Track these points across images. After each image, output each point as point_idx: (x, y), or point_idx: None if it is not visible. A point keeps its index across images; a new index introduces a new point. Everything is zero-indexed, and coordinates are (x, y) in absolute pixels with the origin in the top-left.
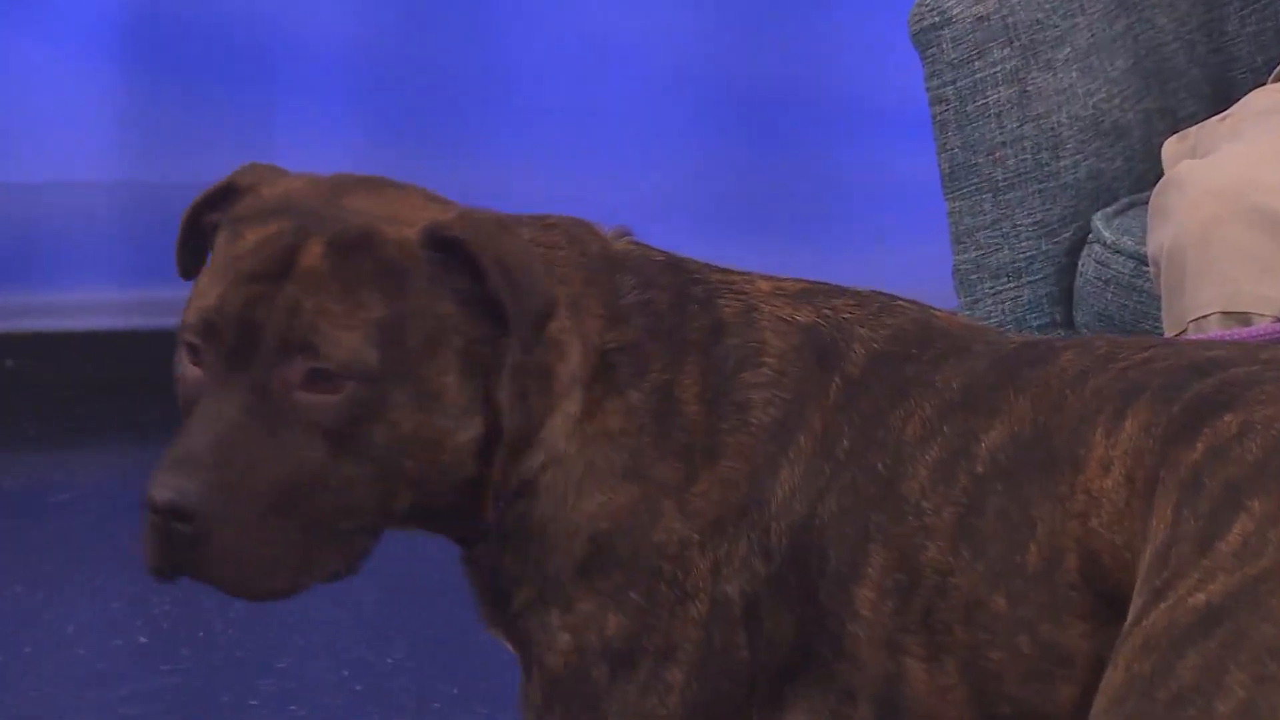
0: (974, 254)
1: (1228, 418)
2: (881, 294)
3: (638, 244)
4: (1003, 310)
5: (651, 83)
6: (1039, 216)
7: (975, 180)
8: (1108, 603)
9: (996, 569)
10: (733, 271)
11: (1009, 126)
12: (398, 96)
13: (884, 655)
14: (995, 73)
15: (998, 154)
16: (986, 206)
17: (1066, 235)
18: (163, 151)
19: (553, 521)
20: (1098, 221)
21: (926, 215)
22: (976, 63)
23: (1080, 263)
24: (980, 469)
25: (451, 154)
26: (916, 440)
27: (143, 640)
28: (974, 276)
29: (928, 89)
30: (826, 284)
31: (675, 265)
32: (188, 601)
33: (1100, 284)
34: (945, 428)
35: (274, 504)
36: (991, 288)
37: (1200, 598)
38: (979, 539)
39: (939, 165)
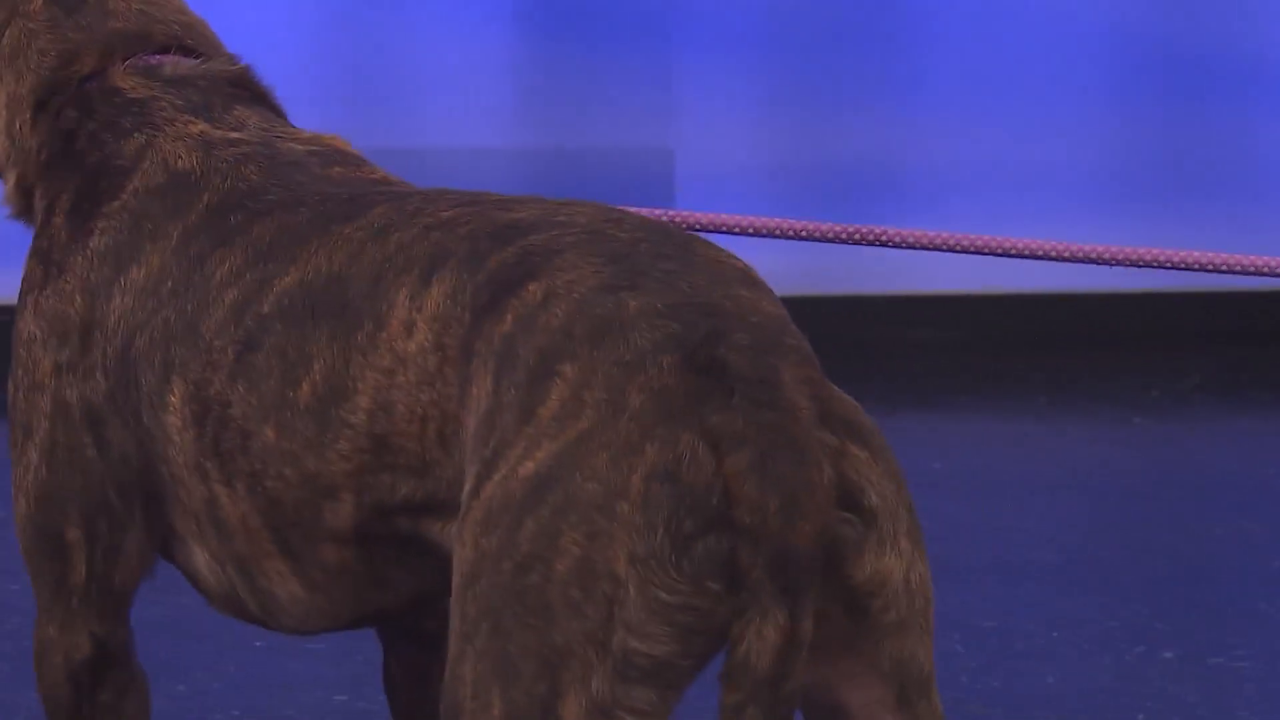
0: None
1: (531, 287)
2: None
3: (134, 80)
4: None
5: (1065, 45)
6: None
7: None
8: (381, 447)
9: (269, 403)
10: (194, 117)
11: None
12: (801, 55)
13: (198, 480)
14: None
15: None
16: None
17: None
18: (560, 117)
19: None
20: None
21: None
22: None
23: None
24: (266, 309)
25: (855, 114)
26: (221, 284)
27: None
28: None
29: None
30: (291, 148)
31: (141, 103)
32: None
33: None
34: (249, 274)
35: None
36: None
37: (529, 466)
38: (254, 374)
39: None
